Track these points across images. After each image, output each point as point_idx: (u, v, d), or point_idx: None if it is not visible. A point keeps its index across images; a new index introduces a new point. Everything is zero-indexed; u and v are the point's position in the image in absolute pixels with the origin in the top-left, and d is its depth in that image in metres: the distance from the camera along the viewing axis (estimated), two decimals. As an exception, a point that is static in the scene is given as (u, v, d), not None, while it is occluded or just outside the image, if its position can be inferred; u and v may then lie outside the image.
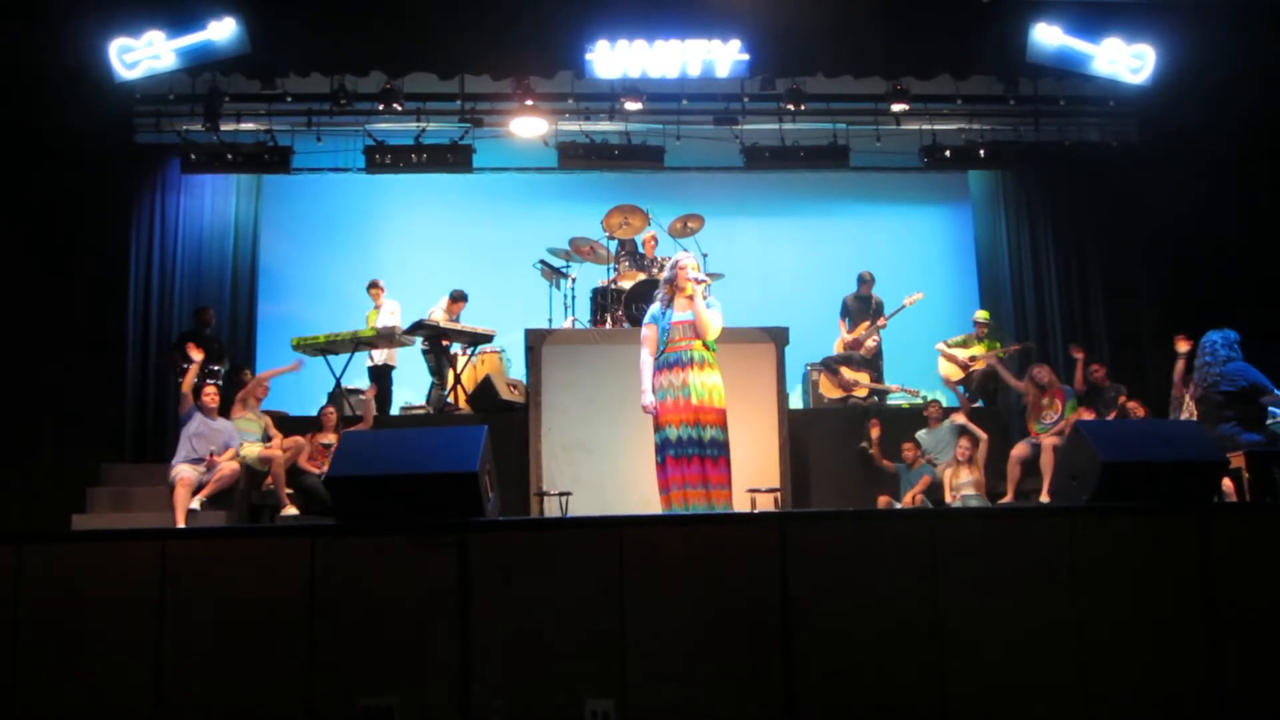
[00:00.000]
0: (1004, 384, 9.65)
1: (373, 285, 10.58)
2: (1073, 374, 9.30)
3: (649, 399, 5.95)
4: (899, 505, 8.59)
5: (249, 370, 10.29)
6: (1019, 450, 8.71)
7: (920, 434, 9.12)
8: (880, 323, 10.32)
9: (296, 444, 8.33)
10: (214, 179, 11.17)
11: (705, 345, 5.99)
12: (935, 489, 8.71)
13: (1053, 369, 9.29)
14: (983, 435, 8.78)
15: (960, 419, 8.90)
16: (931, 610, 3.99)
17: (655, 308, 6.16)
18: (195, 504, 7.77)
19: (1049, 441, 8.52)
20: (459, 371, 9.85)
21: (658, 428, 5.93)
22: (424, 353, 10.28)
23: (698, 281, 6.02)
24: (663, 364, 5.95)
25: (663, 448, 5.88)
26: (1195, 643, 4.03)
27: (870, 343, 10.27)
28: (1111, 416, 8.88)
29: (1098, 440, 4.47)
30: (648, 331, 6.09)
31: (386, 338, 9.99)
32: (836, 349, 10.22)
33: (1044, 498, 8.03)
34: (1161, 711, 3.97)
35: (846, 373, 9.89)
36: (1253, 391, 6.43)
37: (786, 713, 3.89)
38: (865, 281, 10.56)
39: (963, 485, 8.56)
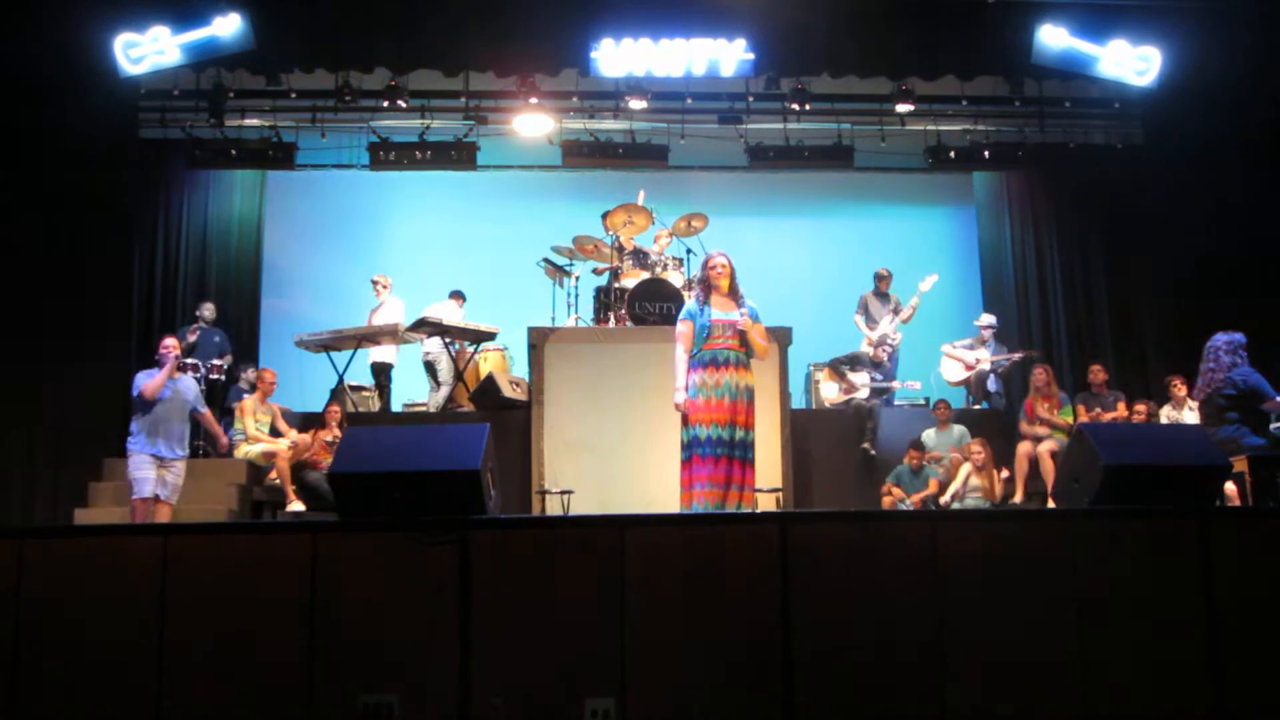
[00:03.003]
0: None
1: (376, 281, 10.60)
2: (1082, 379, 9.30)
3: (681, 396, 5.92)
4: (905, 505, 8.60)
5: (252, 366, 10.34)
6: (1025, 448, 8.71)
7: (927, 433, 9.11)
8: (905, 316, 10.29)
9: (304, 441, 8.34)
10: (218, 174, 11.19)
11: (742, 345, 5.97)
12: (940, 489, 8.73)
13: (1054, 373, 9.31)
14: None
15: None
16: (933, 611, 3.98)
17: (691, 304, 6.14)
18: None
19: (1045, 448, 8.54)
20: (462, 368, 9.86)
21: (686, 425, 5.92)
22: (426, 365, 10.31)
23: (741, 316, 5.97)
24: (698, 362, 5.92)
25: (690, 446, 5.87)
26: (1197, 646, 4.03)
27: (895, 338, 10.27)
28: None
29: (1101, 443, 4.46)
30: (683, 328, 6.03)
31: (390, 334, 10.00)
32: (866, 347, 10.15)
33: (1050, 503, 8.03)
34: (1164, 714, 3.97)
35: (852, 376, 9.87)
36: (1254, 397, 6.41)
37: (787, 711, 3.89)
38: (883, 278, 10.53)
39: (972, 489, 8.55)
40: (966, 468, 8.63)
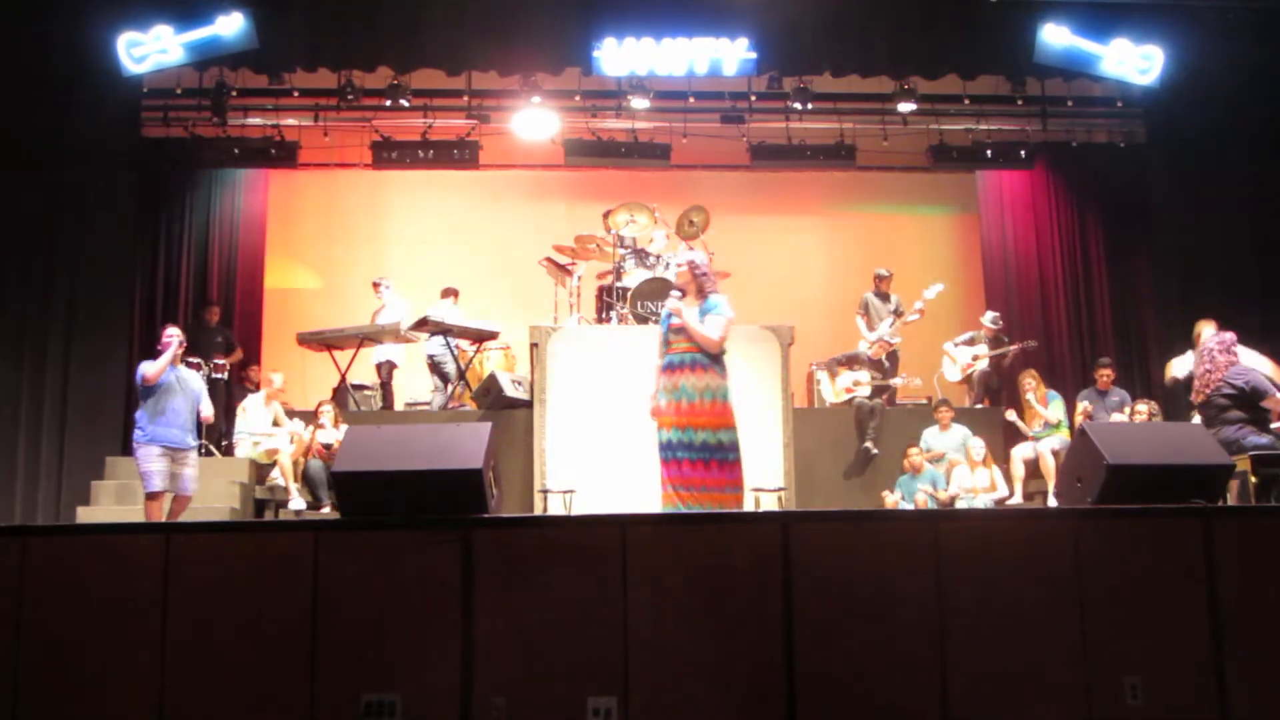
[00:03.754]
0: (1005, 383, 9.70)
1: (375, 283, 10.59)
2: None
3: (650, 403, 5.92)
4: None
5: (256, 366, 10.36)
6: (1022, 450, 8.72)
7: (929, 433, 9.10)
8: (910, 318, 10.26)
9: (303, 444, 8.34)
10: (221, 173, 11.20)
11: (698, 345, 5.79)
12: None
13: (1045, 370, 9.33)
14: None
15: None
16: (935, 611, 3.98)
17: (664, 311, 6.13)
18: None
19: (1046, 446, 8.56)
20: (464, 367, 9.86)
21: (657, 429, 5.91)
22: (431, 365, 10.31)
23: (679, 298, 5.90)
24: (663, 367, 5.90)
25: (658, 449, 5.86)
26: (1200, 645, 4.03)
27: (895, 340, 10.26)
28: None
29: (1103, 443, 4.46)
30: (659, 333, 6.05)
31: (392, 333, 10.01)
32: (869, 349, 10.11)
33: (1051, 501, 8.07)
34: (1166, 713, 3.97)
35: (848, 374, 9.86)
36: (1253, 394, 6.40)
37: (788, 712, 3.89)
38: (883, 279, 10.50)
39: (967, 490, 8.56)
40: (959, 470, 8.66)
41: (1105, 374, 9.28)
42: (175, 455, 7.11)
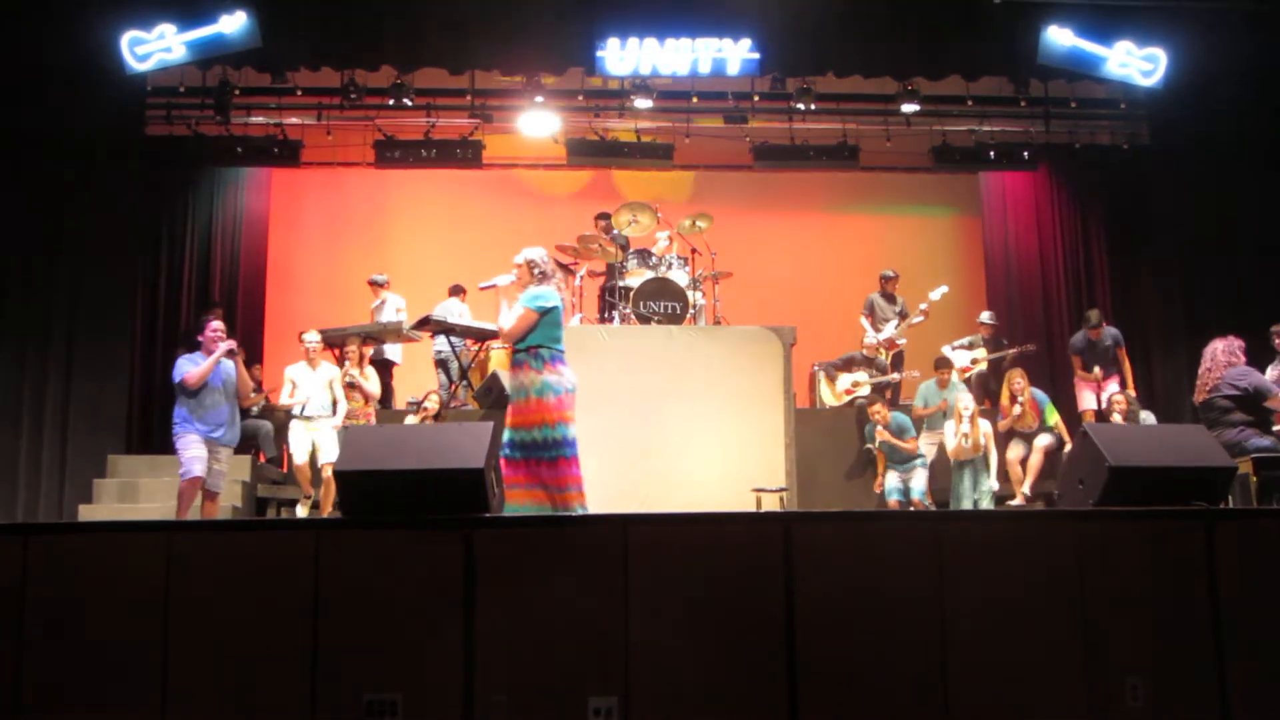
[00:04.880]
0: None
1: (372, 282, 10.59)
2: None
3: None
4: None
5: (259, 365, 10.36)
6: (1016, 451, 8.71)
7: (925, 387, 9.12)
8: (913, 322, 10.26)
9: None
10: (223, 172, 11.21)
11: (515, 347, 5.74)
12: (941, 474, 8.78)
13: (1046, 371, 9.30)
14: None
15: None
16: (937, 612, 3.98)
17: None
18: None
19: (1040, 444, 8.55)
20: (466, 366, 9.87)
21: None
22: (439, 364, 10.30)
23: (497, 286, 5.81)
24: None
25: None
26: (1201, 647, 4.02)
27: (901, 341, 10.26)
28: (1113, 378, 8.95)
29: (1105, 445, 4.46)
30: None
31: (395, 332, 10.01)
32: (869, 351, 10.11)
33: (1024, 490, 8.35)
34: (1167, 714, 3.96)
35: (846, 377, 9.87)
36: (1256, 395, 6.40)
37: (790, 712, 3.89)
38: (890, 280, 10.50)
39: (962, 444, 8.60)
40: (948, 424, 8.66)
41: (1097, 332, 9.25)
42: (213, 448, 7.07)
